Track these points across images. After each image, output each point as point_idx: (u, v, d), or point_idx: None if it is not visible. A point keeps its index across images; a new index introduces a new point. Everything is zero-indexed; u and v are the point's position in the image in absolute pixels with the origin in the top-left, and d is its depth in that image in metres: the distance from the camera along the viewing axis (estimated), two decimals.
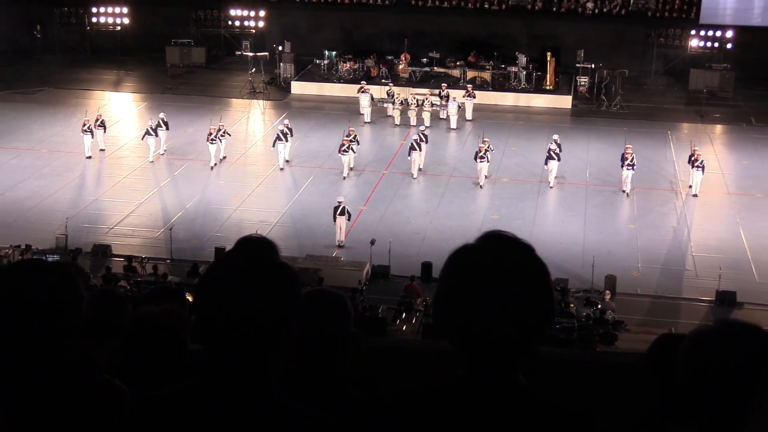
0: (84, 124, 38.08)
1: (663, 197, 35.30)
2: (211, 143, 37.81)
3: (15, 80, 48.80)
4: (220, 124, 38.75)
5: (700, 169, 34.65)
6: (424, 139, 37.32)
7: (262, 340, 3.02)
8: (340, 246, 30.79)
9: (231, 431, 3.00)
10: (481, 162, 35.57)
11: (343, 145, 36.20)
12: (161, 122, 39.46)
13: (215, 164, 37.74)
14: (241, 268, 3.06)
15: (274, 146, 37.35)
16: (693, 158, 35.07)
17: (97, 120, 38.75)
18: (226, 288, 3.03)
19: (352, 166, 36.84)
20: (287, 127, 38.11)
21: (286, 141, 37.57)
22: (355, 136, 36.94)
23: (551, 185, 35.80)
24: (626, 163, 35.05)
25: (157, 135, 38.53)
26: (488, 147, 35.86)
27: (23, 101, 46.12)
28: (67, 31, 54.61)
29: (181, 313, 4.65)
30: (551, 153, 35.82)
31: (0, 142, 39.98)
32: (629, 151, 35.33)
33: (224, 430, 3.00)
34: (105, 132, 39.36)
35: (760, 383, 2.88)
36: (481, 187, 35.54)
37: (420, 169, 36.85)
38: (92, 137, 38.13)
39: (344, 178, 36.22)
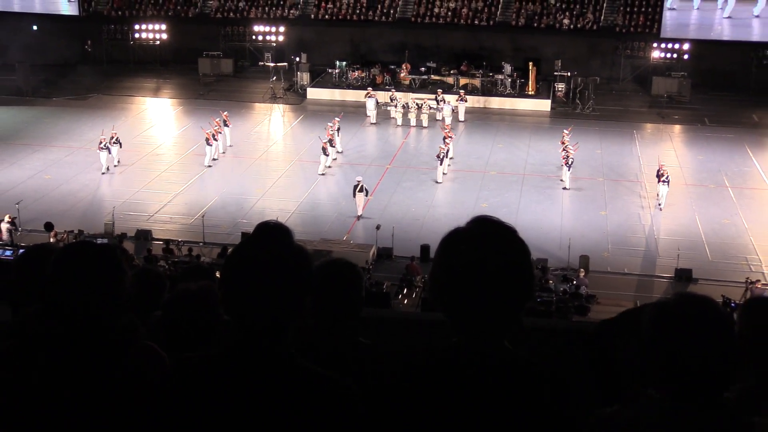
0: (101, 142, 35.87)
1: (629, 188, 35.27)
2: (101, 150, 35.71)
3: (69, 88, 48.80)
4: (113, 132, 36.81)
5: (666, 183, 32.74)
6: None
7: (279, 312, 3.03)
8: (359, 218, 31.51)
9: (254, 391, 3.01)
10: (437, 160, 35.46)
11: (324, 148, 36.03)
12: (225, 119, 39.41)
13: (108, 168, 35.92)
14: (258, 250, 3.07)
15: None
16: (660, 173, 33.13)
17: (112, 137, 36.32)
18: (246, 268, 3.04)
19: (329, 164, 36.47)
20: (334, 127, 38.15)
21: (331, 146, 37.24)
22: (331, 140, 36.63)
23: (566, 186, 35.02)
24: (566, 162, 34.88)
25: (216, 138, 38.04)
26: (447, 149, 35.86)
27: (76, 106, 46.13)
28: (113, 45, 54.54)
29: (214, 289, 4.66)
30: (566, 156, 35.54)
31: (56, 141, 40.03)
32: (568, 146, 35.55)
33: (248, 390, 3.01)
34: (120, 147, 36.63)
35: (714, 345, 2.90)
36: (437, 182, 35.21)
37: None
38: (109, 153, 36.00)
39: (322, 174, 35.77)
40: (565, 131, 38.05)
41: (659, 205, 32.87)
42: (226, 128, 39.35)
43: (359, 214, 31.81)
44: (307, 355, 3.14)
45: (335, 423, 3.01)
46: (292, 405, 2.99)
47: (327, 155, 36.05)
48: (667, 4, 47.56)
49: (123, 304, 3.53)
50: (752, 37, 46.15)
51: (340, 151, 38.22)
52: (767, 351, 3.58)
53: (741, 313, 3.77)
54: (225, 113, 39.92)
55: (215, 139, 37.61)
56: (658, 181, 33.07)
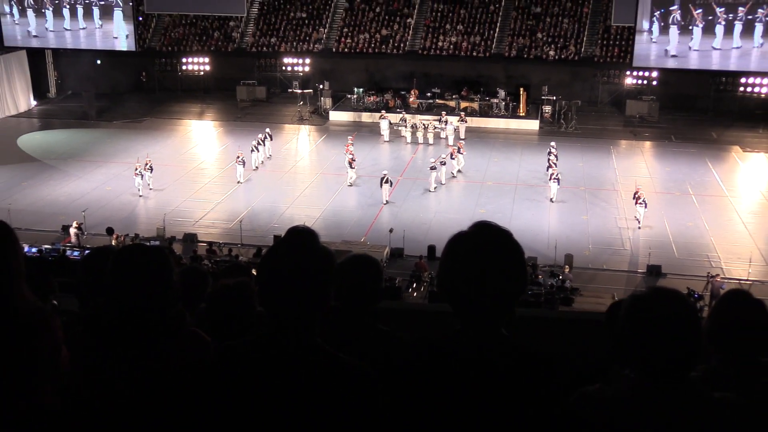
0: (135, 168, 34.86)
1: (607, 196, 35.16)
2: (136, 176, 34.59)
3: (126, 112, 49.01)
4: (147, 159, 35.59)
5: (643, 204, 31.01)
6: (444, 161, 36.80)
7: (307, 305, 3.03)
8: (385, 203, 32.99)
9: (285, 374, 3.01)
10: (432, 171, 35.36)
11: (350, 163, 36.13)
12: (268, 135, 39.96)
13: (142, 194, 34.38)
14: (289, 251, 3.07)
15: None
16: (636, 195, 31.62)
17: (145, 164, 35.18)
18: (279, 266, 3.04)
19: (353, 177, 36.21)
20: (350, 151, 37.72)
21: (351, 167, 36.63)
22: (353, 156, 36.69)
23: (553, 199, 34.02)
24: (552, 176, 34.37)
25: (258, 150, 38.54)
26: (440, 159, 35.96)
27: (132, 128, 46.32)
28: (164, 75, 54.82)
29: (250, 284, 4.68)
30: (552, 167, 35.25)
31: (116, 158, 40.16)
32: (552, 154, 36.04)
33: (280, 373, 3.01)
34: (152, 173, 35.22)
35: (682, 332, 2.91)
36: (430, 191, 35.06)
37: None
38: (142, 179, 34.66)
39: (350, 185, 35.83)
40: (552, 145, 37.97)
41: (638, 227, 30.95)
42: (268, 142, 39.80)
43: (385, 201, 33.16)
44: (331, 339, 3.14)
45: (355, 404, 3.01)
46: (317, 387, 2.99)
47: (353, 168, 36.03)
48: (649, 37, 47.28)
49: (172, 297, 3.55)
50: (711, 66, 45.86)
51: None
52: (730, 338, 3.61)
53: (716, 305, 3.81)
54: (267, 130, 40.56)
55: (254, 151, 38.18)
56: (635, 203, 31.57)
